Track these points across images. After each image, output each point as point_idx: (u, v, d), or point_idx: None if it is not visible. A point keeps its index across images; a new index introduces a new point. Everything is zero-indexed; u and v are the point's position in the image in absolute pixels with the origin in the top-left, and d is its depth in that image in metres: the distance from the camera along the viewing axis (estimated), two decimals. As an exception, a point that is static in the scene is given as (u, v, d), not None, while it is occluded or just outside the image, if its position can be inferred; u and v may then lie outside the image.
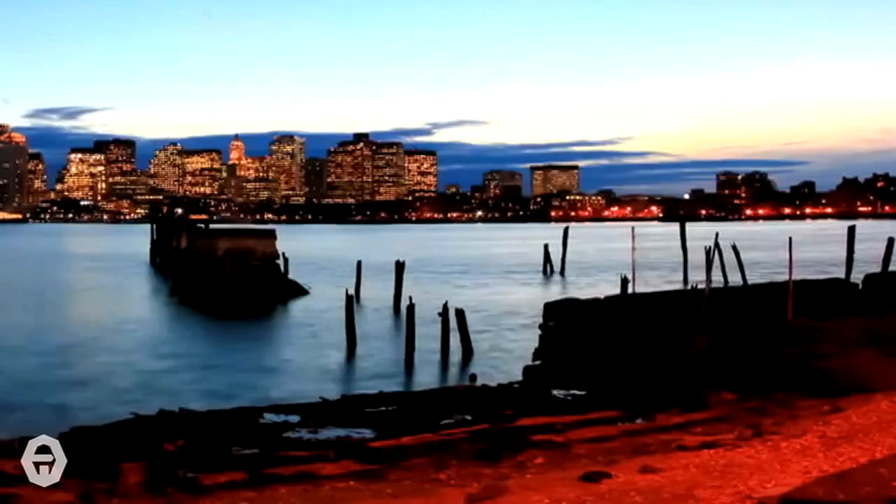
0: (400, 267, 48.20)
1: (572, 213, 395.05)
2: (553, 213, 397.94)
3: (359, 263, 55.17)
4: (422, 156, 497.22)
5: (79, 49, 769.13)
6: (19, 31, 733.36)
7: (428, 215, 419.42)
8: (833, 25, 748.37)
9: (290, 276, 59.50)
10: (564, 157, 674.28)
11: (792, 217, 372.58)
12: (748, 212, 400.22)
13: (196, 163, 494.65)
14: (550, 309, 24.49)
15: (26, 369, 30.05)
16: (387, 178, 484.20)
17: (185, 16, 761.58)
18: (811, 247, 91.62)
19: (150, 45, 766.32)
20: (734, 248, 56.81)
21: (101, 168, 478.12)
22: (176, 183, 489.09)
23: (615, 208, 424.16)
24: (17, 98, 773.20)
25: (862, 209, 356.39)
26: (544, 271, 75.70)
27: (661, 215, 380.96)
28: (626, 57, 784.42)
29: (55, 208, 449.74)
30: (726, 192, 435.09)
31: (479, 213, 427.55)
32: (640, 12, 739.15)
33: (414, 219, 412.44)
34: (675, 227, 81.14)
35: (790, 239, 23.20)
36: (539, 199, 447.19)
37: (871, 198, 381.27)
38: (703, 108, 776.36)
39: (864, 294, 26.28)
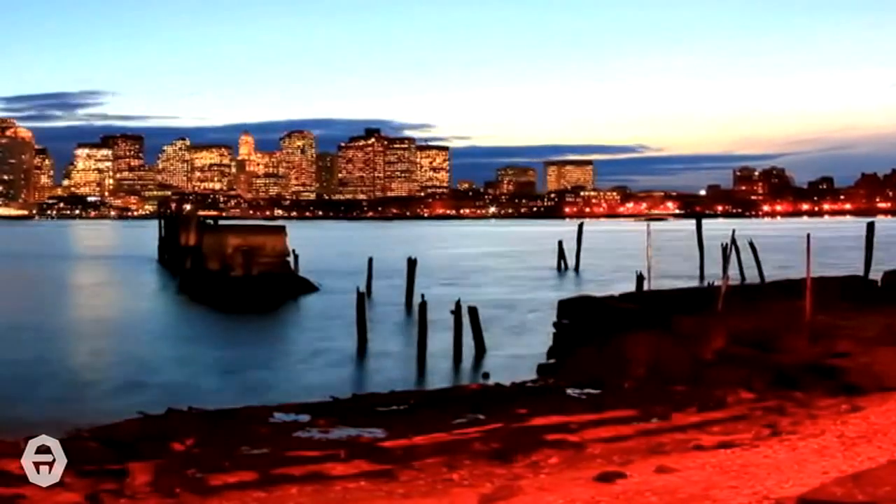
0: (412, 264, 48.06)
1: (587, 210, 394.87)
2: (567, 210, 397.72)
3: (370, 260, 55.06)
4: (434, 151, 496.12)
5: (85, 45, 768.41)
6: (26, 22, 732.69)
7: (440, 211, 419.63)
8: (850, 17, 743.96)
9: (301, 272, 59.38)
10: (580, 150, 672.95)
11: (810, 213, 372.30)
12: (765, 208, 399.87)
13: (205, 158, 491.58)
14: (565, 306, 24.36)
15: (32, 367, 29.91)
16: (398, 173, 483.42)
17: (196, 11, 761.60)
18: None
19: (159, 41, 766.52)
20: (751, 244, 56.61)
21: (108, 163, 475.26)
22: (184, 178, 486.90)
23: (630, 204, 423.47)
24: (23, 90, 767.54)
25: (881, 205, 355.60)
26: (558, 268, 75.51)
27: (677, 211, 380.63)
28: (638, 54, 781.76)
29: (62, 204, 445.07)
30: (743, 187, 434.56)
31: (492, 209, 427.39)
32: (650, 11, 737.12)
33: (426, 215, 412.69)
34: (691, 224, 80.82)
35: (808, 236, 22.95)
36: (553, 195, 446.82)
37: (891, 193, 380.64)
38: (719, 101, 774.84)
39: (884, 291, 26.11)
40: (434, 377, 27.96)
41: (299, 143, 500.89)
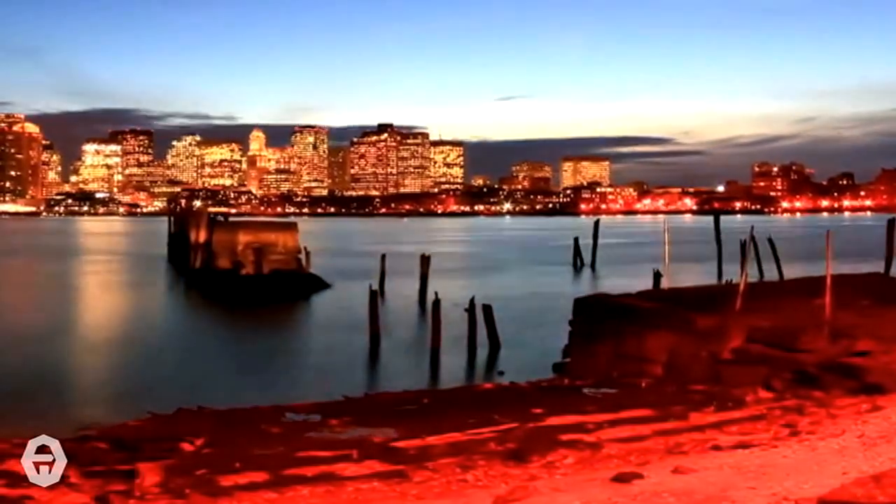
0: (425, 261, 47.90)
1: (603, 206, 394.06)
2: (583, 206, 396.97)
3: (383, 257, 54.89)
4: (448, 147, 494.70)
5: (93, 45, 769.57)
6: (29, 22, 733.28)
7: (453, 208, 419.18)
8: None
9: (312, 269, 59.20)
10: (596, 143, 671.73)
11: (830, 210, 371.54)
12: (784, 204, 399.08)
13: (215, 153, 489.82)
14: (580, 304, 24.12)
15: (40, 366, 29.82)
16: (412, 169, 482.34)
17: (208, 5, 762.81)
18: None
19: (167, 35, 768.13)
20: (770, 241, 56.26)
21: (116, 159, 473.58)
22: (194, 174, 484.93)
23: (647, 201, 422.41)
24: (31, 85, 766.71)
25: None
26: (574, 265, 75.22)
27: (694, 208, 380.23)
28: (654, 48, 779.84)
29: (70, 201, 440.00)
30: (762, 183, 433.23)
31: (507, 205, 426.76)
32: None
33: (439, 211, 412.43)
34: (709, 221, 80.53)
35: (828, 233, 22.70)
36: (569, 192, 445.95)
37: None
38: (735, 96, 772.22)
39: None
40: (448, 376, 27.79)
41: (311, 138, 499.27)
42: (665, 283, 32.07)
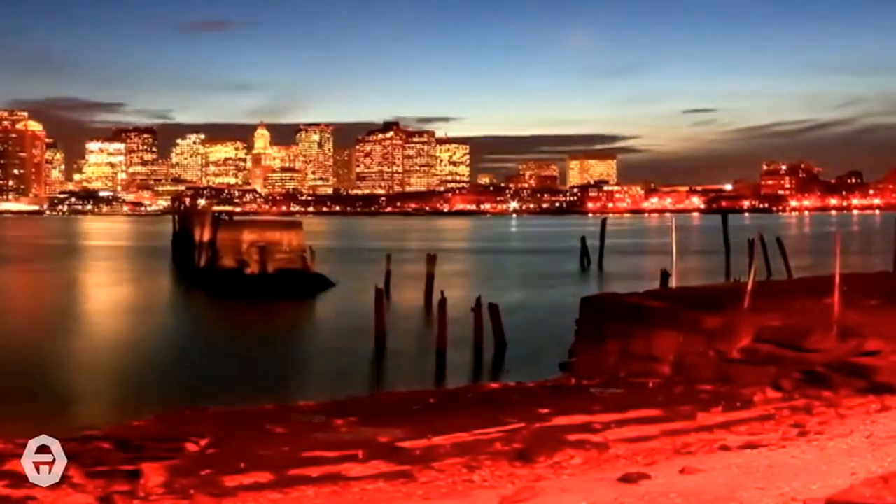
0: (431, 260, 47.84)
1: (610, 205, 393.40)
2: (590, 205, 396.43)
3: (388, 256, 54.84)
4: (454, 145, 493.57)
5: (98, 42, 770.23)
6: (32, 22, 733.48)
7: (460, 206, 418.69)
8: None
9: (317, 268, 59.16)
10: (601, 139, 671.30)
11: (838, 209, 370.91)
12: (793, 203, 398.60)
13: (219, 152, 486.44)
14: (587, 304, 24.04)
15: (46, 366, 29.91)
16: (418, 167, 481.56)
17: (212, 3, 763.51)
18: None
19: (171, 32, 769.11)
20: (778, 240, 56.21)
21: (120, 158, 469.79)
22: (199, 173, 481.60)
23: (655, 199, 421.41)
24: (34, 84, 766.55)
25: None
26: (581, 264, 75.14)
27: (702, 207, 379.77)
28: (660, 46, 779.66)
29: (73, 199, 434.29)
30: (770, 181, 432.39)
31: (514, 204, 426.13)
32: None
33: (445, 210, 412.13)
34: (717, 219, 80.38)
35: (837, 233, 22.62)
36: (576, 190, 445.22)
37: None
38: (744, 94, 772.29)
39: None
40: (454, 375, 27.75)
41: (316, 136, 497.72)
42: (673, 283, 31.97)
